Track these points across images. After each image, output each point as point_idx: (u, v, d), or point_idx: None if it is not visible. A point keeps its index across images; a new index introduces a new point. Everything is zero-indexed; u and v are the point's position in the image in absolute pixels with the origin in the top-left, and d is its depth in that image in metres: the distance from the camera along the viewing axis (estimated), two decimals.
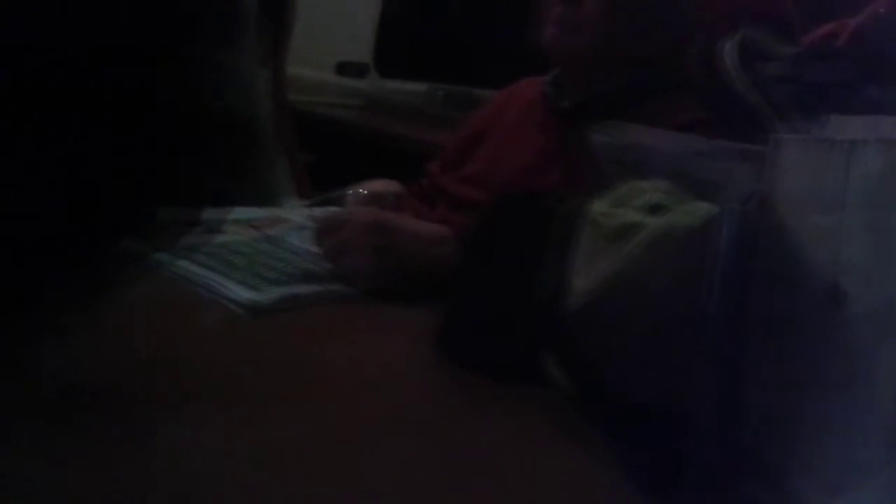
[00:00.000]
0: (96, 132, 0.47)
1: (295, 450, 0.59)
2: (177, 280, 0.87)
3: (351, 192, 1.23)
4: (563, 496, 0.58)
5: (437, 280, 0.85)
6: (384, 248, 0.91)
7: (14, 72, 0.44)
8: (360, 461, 0.59)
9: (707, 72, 0.80)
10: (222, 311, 0.82)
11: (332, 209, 1.13)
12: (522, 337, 0.70)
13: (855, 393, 0.50)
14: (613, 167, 0.70)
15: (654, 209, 0.61)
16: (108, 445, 0.56)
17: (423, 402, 0.71)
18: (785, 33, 0.89)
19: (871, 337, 0.50)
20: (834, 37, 0.81)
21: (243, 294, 0.84)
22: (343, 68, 2.52)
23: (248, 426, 0.61)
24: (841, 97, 0.65)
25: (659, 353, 0.59)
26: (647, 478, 0.58)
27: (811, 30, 0.87)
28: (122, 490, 0.52)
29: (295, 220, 1.10)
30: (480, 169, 1.18)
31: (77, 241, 0.55)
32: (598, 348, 0.63)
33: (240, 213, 1.08)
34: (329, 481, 0.56)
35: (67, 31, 0.45)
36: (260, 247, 0.99)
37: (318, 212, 1.13)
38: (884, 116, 0.55)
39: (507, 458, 0.62)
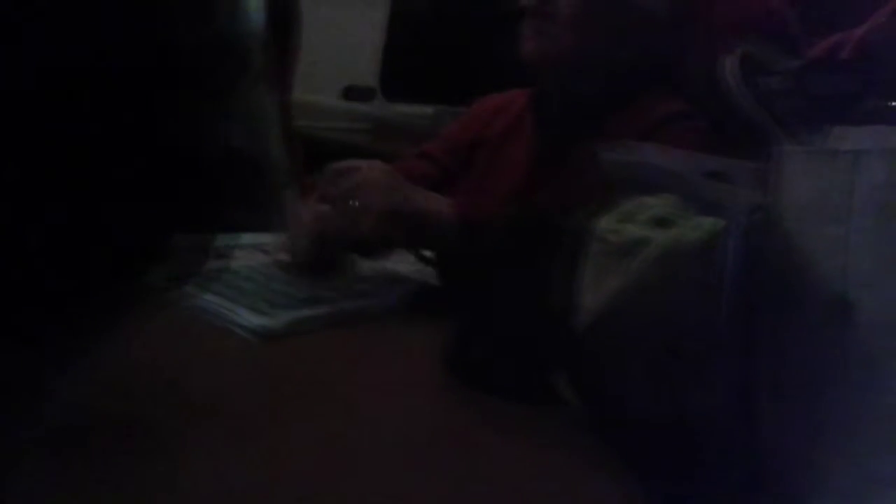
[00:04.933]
0: (105, 167, 0.48)
1: (311, 473, 0.59)
2: (188, 308, 0.87)
3: None
4: None
5: (432, 241, 0.94)
6: (393, 188, 0.96)
7: (27, 109, 0.45)
8: (373, 484, 0.59)
9: (709, 86, 0.80)
10: (235, 337, 0.82)
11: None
12: (532, 356, 0.70)
13: (868, 404, 0.50)
14: (621, 185, 0.70)
15: (661, 223, 0.61)
16: (120, 475, 0.56)
17: (435, 424, 0.71)
18: (788, 47, 0.89)
19: (881, 347, 0.49)
20: (838, 49, 0.82)
21: (254, 320, 0.84)
22: (349, 93, 2.53)
23: (263, 451, 0.61)
24: (845, 108, 0.65)
25: (669, 368, 0.59)
26: (661, 497, 0.58)
27: (815, 42, 0.87)
28: None
29: None
30: (477, 186, 1.19)
31: (95, 275, 0.55)
32: (608, 365, 0.63)
33: (249, 237, 1.09)
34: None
35: (78, 67, 0.46)
36: (269, 271, 0.99)
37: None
38: (888, 126, 0.55)
39: (519, 480, 0.61)
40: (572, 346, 0.64)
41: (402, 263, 1.09)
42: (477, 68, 2.37)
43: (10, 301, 0.48)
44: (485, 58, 2.33)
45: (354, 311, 0.92)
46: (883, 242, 0.50)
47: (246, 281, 0.95)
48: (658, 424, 0.59)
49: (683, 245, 0.59)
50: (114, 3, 0.45)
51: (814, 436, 0.51)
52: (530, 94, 1.19)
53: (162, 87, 0.48)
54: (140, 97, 0.46)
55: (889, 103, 0.66)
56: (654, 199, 0.65)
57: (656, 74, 1.06)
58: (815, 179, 0.53)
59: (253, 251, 1.06)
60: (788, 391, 0.53)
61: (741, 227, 0.55)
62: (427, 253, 1.05)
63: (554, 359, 0.68)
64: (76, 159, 0.46)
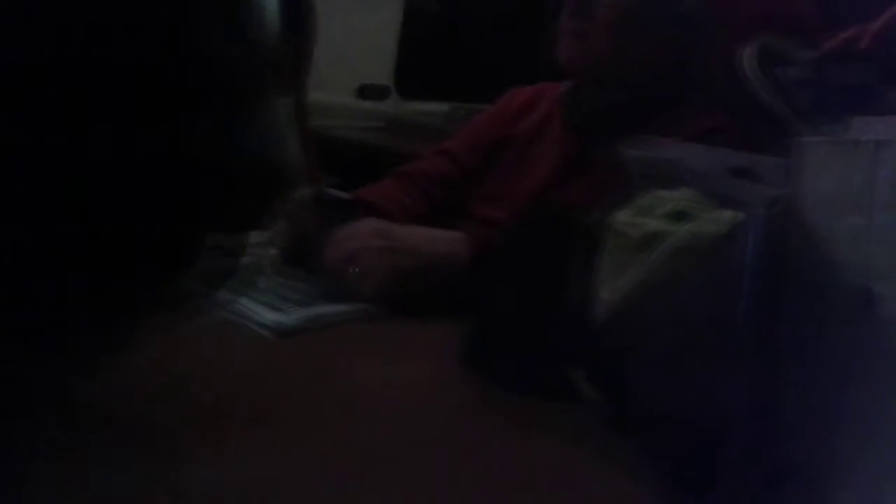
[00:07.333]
0: (137, 175, 0.49)
1: (329, 472, 0.59)
2: (223, 312, 0.87)
3: None
4: None
5: (447, 282, 0.86)
6: (392, 248, 0.91)
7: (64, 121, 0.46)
8: (393, 482, 0.58)
9: (728, 79, 0.80)
10: (248, 333, 0.82)
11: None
12: (550, 352, 0.70)
13: (891, 398, 0.49)
14: (642, 181, 0.70)
15: (679, 217, 0.60)
16: (126, 474, 0.56)
17: (454, 420, 0.70)
18: (807, 39, 0.88)
19: None
20: (856, 40, 0.81)
21: (268, 316, 0.84)
22: (364, 91, 2.53)
23: (279, 450, 0.61)
24: (863, 99, 0.64)
25: (688, 362, 0.58)
26: (681, 492, 0.57)
27: (834, 35, 0.86)
28: None
29: None
30: (502, 186, 1.17)
31: (129, 282, 0.55)
32: (626, 360, 0.62)
33: (261, 234, 1.09)
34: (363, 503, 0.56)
35: (114, 78, 0.46)
36: (283, 267, 0.99)
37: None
38: None
39: (539, 476, 0.61)
40: (590, 341, 0.64)
41: None
42: (492, 66, 2.37)
43: (40, 308, 0.49)
44: (500, 55, 2.32)
45: (369, 308, 0.91)
46: None
47: (259, 277, 0.95)
48: (678, 419, 0.58)
49: (702, 238, 0.58)
50: (149, 18, 0.46)
51: (836, 430, 0.51)
52: (561, 96, 1.17)
53: (196, 97, 0.48)
54: (174, 107, 0.47)
55: None
56: (671, 192, 0.65)
57: (692, 84, 1.04)
58: (836, 170, 0.52)
59: (265, 247, 1.06)
60: (810, 385, 0.52)
61: (760, 219, 0.54)
62: None
63: (572, 354, 0.68)
64: (108, 166, 0.46)
